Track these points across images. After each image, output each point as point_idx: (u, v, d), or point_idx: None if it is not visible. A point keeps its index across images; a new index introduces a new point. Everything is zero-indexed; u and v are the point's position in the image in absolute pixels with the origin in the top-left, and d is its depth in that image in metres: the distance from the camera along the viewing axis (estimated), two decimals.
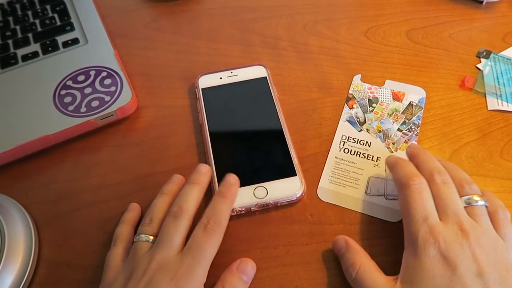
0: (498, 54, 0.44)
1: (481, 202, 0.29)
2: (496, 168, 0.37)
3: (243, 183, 0.34)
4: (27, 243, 0.32)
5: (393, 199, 0.35)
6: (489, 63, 0.43)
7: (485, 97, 0.41)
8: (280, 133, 0.37)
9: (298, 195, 0.34)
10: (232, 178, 0.32)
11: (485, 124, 0.39)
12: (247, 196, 0.34)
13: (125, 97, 0.39)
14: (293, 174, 0.35)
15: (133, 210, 0.34)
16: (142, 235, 0.30)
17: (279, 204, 0.34)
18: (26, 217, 0.34)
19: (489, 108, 0.40)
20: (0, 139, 0.37)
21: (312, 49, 0.45)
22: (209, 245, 0.28)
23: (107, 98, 0.39)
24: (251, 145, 0.37)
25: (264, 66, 0.42)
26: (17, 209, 0.34)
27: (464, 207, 0.29)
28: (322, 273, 0.32)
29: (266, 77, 0.41)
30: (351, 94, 0.41)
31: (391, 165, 0.33)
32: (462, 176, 0.31)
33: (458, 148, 0.38)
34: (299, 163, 0.36)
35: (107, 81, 0.40)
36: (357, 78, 0.43)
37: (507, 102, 0.40)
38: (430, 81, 0.42)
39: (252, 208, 0.34)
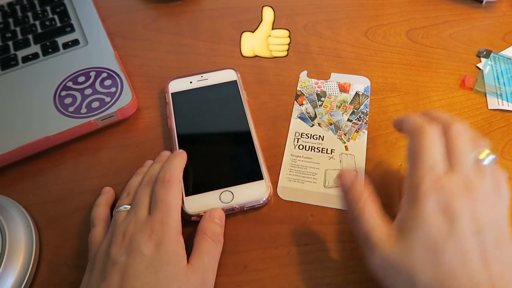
0: (498, 54, 0.44)
1: (491, 157, 0.28)
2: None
3: (209, 188, 0.34)
4: (27, 244, 0.32)
5: None
6: (489, 62, 0.43)
7: (486, 96, 0.41)
8: (248, 137, 0.37)
9: (264, 199, 0.34)
10: (178, 151, 0.35)
11: (486, 124, 0.39)
12: (213, 201, 0.34)
13: (126, 98, 0.39)
14: (260, 178, 0.35)
15: (107, 193, 0.35)
16: (121, 207, 0.32)
17: (245, 208, 0.34)
18: (26, 218, 0.34)
19: (489, 108, 0.40)
20: (0, 141, 0.37)
21: (312, 49, 0.45)
22: (171, 196, 0.31)
23: (107, 99, 0.39)
24: (219, 149, 0.37)
25: (235, 70, 0.42)
26: (17, 210, 0.34)
27: (474, 162, 0.28)
28: (323, 274, 0.32)
29: (236, 80, 0.41)
30: (299, 91, 0.42)
31: (401, 120, 0.32)
32: (473, 134, 0.30)
33: None
34: (267, 167, 0.36)
35: (107, 82, 0.40)
36: (303, 74, 0.43)
37: (507, 101, 0.40)
38: (430, 81, 0.42)
39: None
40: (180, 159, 0.34)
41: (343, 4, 0.50)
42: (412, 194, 0.27)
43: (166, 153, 0.37)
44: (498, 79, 0.42)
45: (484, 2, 0.48)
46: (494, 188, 0.28)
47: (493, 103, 0.41)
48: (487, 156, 0.28)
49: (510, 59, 0.44)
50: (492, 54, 0.44)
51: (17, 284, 0.31)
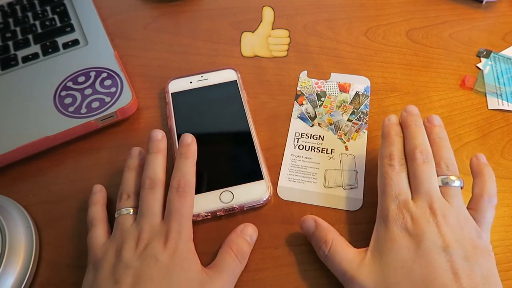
0: (498, 54, 0.44)
1: (457, 183, 0.30)
2: (497, 168, 0.37)
3: (209, 188, 0.34)
4: (28, 244, 0.32)
5: (351, 188, 0.36)
6: (489, 62, 0.43)
7: (486, 96, 0.41)
8: (248, 137, 0.37)
9: (264, 199, 0.34)
10: (188, 137, 0.34)
11: (486, 124, 0.39)
12: (213, 201, 0.34)
13: (126, 98, 0.39)
14: (260, 178, 0.35)
15: (100, 191, 0.35)
16: (123, 209, 0.32)
17: (245, 209, 0.34)
18: (26, 218, 0.34)
19: (489, 108, 0.40)
20: (0, 140, 0.37)
21: (312, 49, 0.45)
22: (186, 206, 0.31)
23: (107, 99, 0.39)
24: (219, 149, 0.37)
25: (235, 70, 0.42)
26: (17, 210, 0.34)
27: (440, 186, 0.30)
28: (323, 273, 0.32)
29: (236, 80, 0.41)
30: (299, 91, 0.42)
31: (383, 135, 0.34)
32: (445, 155, 0.32)
33: (458, 147, 0.38)
34: (267, 167, 0.36)
35: (107, 82, 0.40)
36: (303, 74, 0.43)
37: (507, 101, 0.40)
38: (430, 81, 0.42)
39: (218, 213, 0.34)
40: (193, 159, 0.33)
41: (343, 4, 0.50)
42: (382, 219, 0.30)
43: (159, 135, 0.34)
44: (498, 79, 0.42)
45: (484, 2, 0.48)
46: (464, 208, 0.30)
47: (493, 103, 0.41)
48: (453, 180, 0.30)
49: (510, 59, 0.44)
50: (492, 54, 0.44)
51: (17, 284, 0.31)
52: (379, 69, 0.43)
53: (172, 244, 0.29)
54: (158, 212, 0.31)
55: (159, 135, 0.34)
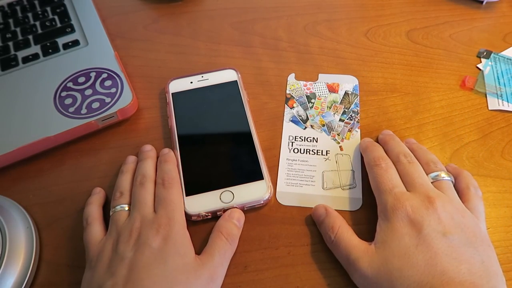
0: (499, 54, 0.44)
1: (447, 178, 0.32)
2: (497, 168, 0.37)
3: (210, 188, 0.34)
4: (28, 244, 0.32)
5: (349, 188, 0.36)
6: (490, 63, 0.43)
7: (486, 97, 0.41)
8: (249, 137, 0.37)
9: (265, 199, 0.34)
10: (165, 149, 0.36)
11: (486, 124, 0.39)
12: (213, 201, 0.34)
13: (126, 99, 0.39)
14: (260, 178, 0.35)
15: (98, 193, 0.36)
16: (117, 207, 0.33)
17: (245, 208, 0.34)
18: (27, 218, 0.34)
19: (489, 108, 0.40)
20: (1, 141, 0.37)
21: (312, 49, 0.45)
22: (173, 194, 0.32)
23: (107, 99, 0.39)
24: (220, 149, 0.37)
25: (235, 70, 0.42)
26: (18, 211, 0.34)
27: (431, 182, 0.32)
28: (323, 274, 0.32)
29: (236, 80, 0.41)
30: (289, 94, 0.42)
31: (363, 149, 0.36)
32: (430, 157, 0.34)
33: (459, 148, 0.38)
34: (267, 167, 0.36)
35: (108, 83, 0.40)
36: (291, 77, 0.43)
37: (507, 102, 0.40)
38: (431, 81, 0.42)
39: (218, 213, 0.34)
40: (172, 162, 0.35)
41: (343, 4, 0.50)
42: (383, 214, 0.31)
43: (148, 147, 0.37)
44: (499, 79, 0.42)
45: (484, 3, 0.48)
46: (459, 200, 0.31)
47: (494, 103, 0.41)
48: (443, 176, 0.32)
49: (510, 59, 0.44)
50: (492, 55, 0.44)
51: (17, 284, 0.31)
52: (380, 69, 0.43)
53: (165, 230, 0.30)
54: (150, 202, 0.32)
55: (148, 147, 0.37)
